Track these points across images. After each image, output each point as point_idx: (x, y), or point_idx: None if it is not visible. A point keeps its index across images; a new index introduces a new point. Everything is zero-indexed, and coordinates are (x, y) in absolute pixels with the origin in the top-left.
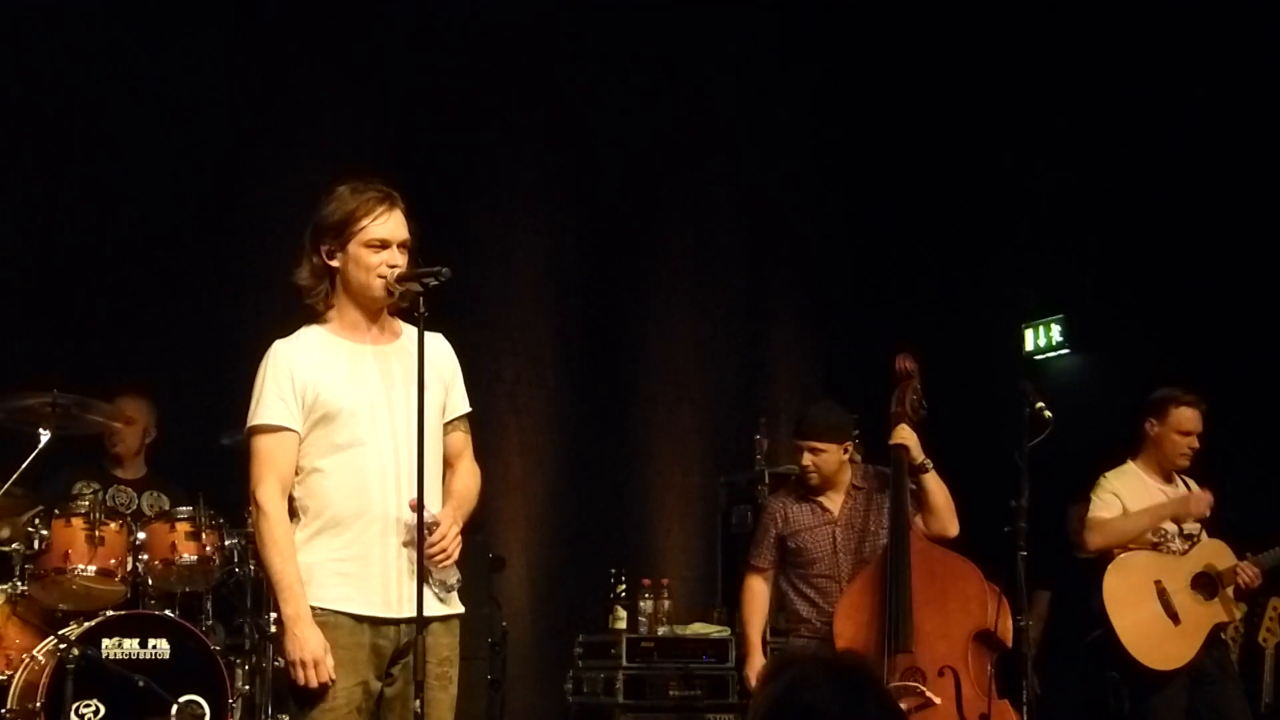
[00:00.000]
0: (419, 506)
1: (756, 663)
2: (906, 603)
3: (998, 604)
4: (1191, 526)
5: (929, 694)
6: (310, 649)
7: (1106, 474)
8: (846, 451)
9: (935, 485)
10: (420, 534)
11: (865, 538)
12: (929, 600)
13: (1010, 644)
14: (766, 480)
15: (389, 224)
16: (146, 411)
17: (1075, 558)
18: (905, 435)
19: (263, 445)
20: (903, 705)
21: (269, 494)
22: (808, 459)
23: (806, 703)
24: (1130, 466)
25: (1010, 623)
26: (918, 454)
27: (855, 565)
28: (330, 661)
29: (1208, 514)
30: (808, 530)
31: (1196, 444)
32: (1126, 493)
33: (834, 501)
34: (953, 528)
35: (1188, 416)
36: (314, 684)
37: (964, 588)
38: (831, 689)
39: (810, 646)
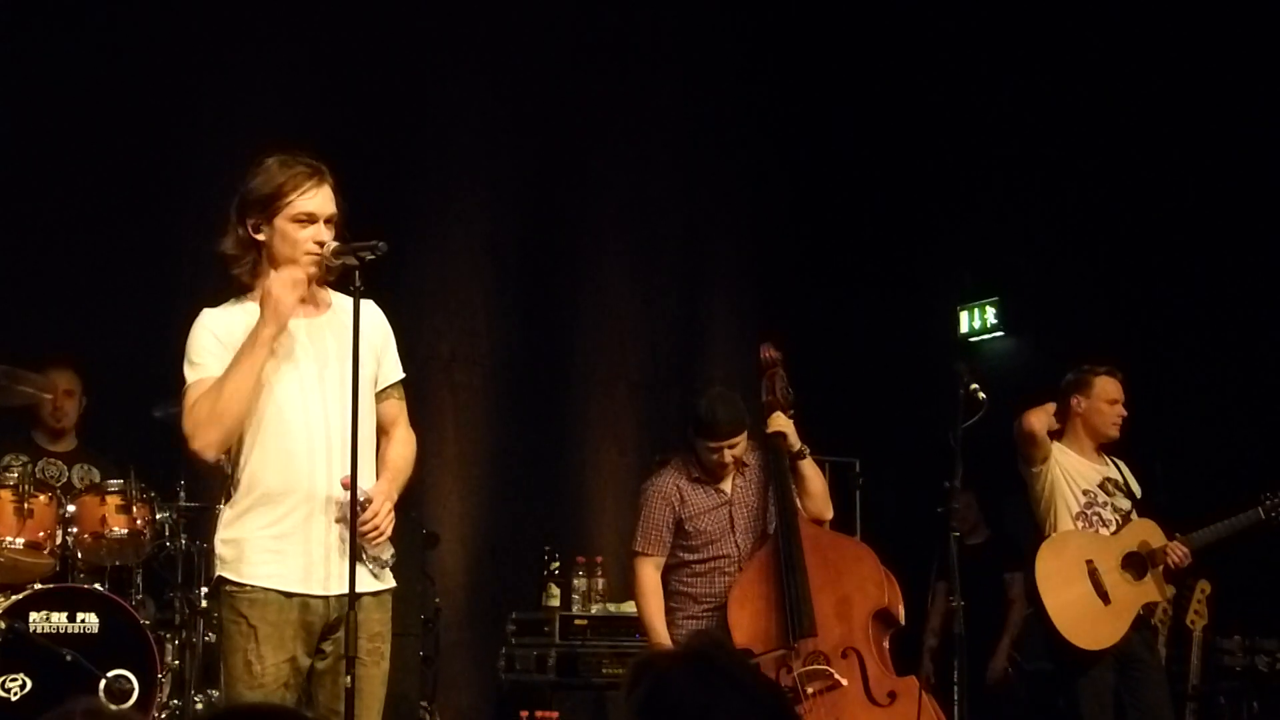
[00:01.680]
0: (352, 483)
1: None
2: (804, 588)
3: (890, 583)
4: (1122, 503)
5: (836, 675)
6: (266, 302)
7: None
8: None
9: (812, 471)
10: (353, 510)
11: (762, 515)
12: (825, 584)
13: (903, 621)
14: None
15: (317, 199)
16: (78, 382)
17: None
18: (782, 423)
19: (190, 392)
20: (810, 689)
21: (196, 411)
22: (726, 455)
23: (668, 706)
24: (1058, 445)
25: (901, 600)
26: (795, 441)
27: (756, 543)
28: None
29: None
30: (706, 513)
31: (1124, 411)
32: (1057, 455)
33: (725, 482)
34: (828, 511)
35: (1110, 385)
36: (287, 298)
37: (858, 569)
38: (689, 685)
39: (664, 646)
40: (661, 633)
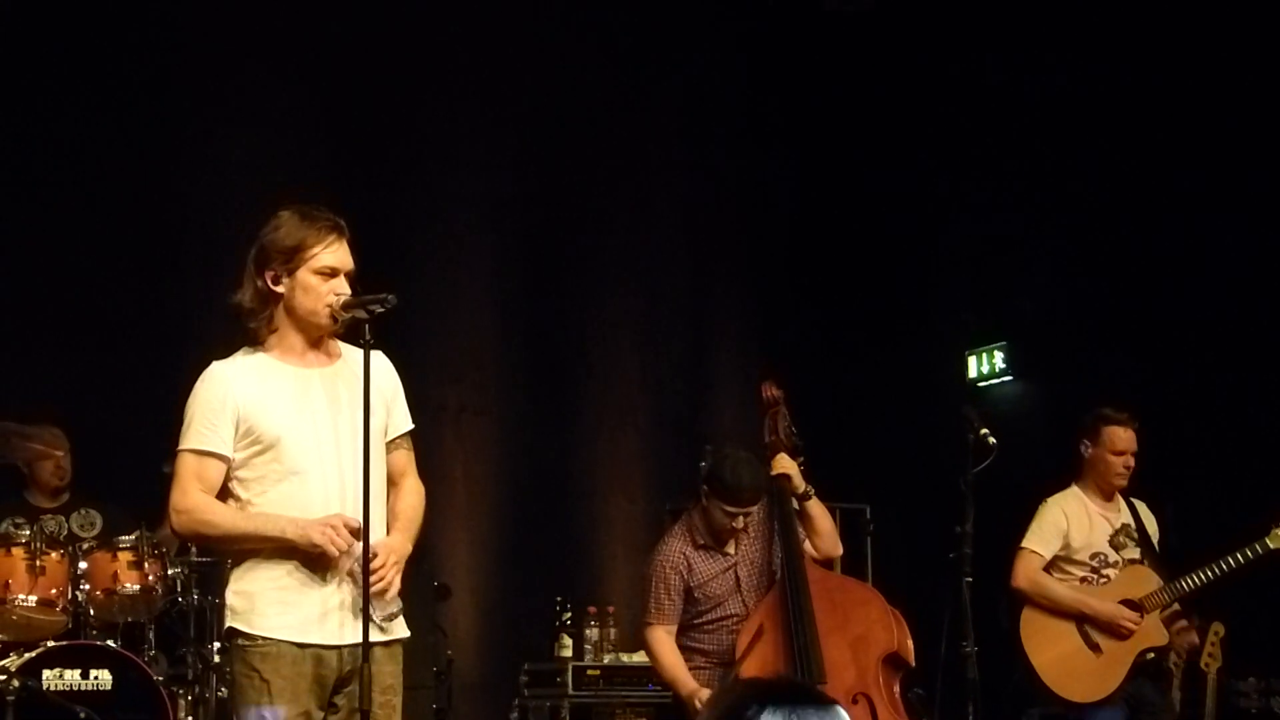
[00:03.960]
0: (365, 534)
1: (703, 690)
2: (813, 634)
3: (899, 625)
4: (1132, 553)
5: None
6: (318, 525)
7: (1048, 499)
8: None
9: (819, 511)
10: (365, 561)
11: (767, 568)
12: (834, 629)
13: (913, 662)
14: None
15: (339, 253)
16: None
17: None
18: (785, 464)
19: (186, 465)
20: None
21: (187, 499)
22: (740, 521)
23: None
24: (1073, 490)
25: (910, 641)
26: (799, 483)
27: (761, 595)
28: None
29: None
30: (714, 579)
31: (1131, 463)
32: (1071, 518)
33: (730, 544)
34: (838, 548)
35: (1119, 436)
36: (344, 541)
37: (866, 613)
38: (766, 710)
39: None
40: (691, 685)
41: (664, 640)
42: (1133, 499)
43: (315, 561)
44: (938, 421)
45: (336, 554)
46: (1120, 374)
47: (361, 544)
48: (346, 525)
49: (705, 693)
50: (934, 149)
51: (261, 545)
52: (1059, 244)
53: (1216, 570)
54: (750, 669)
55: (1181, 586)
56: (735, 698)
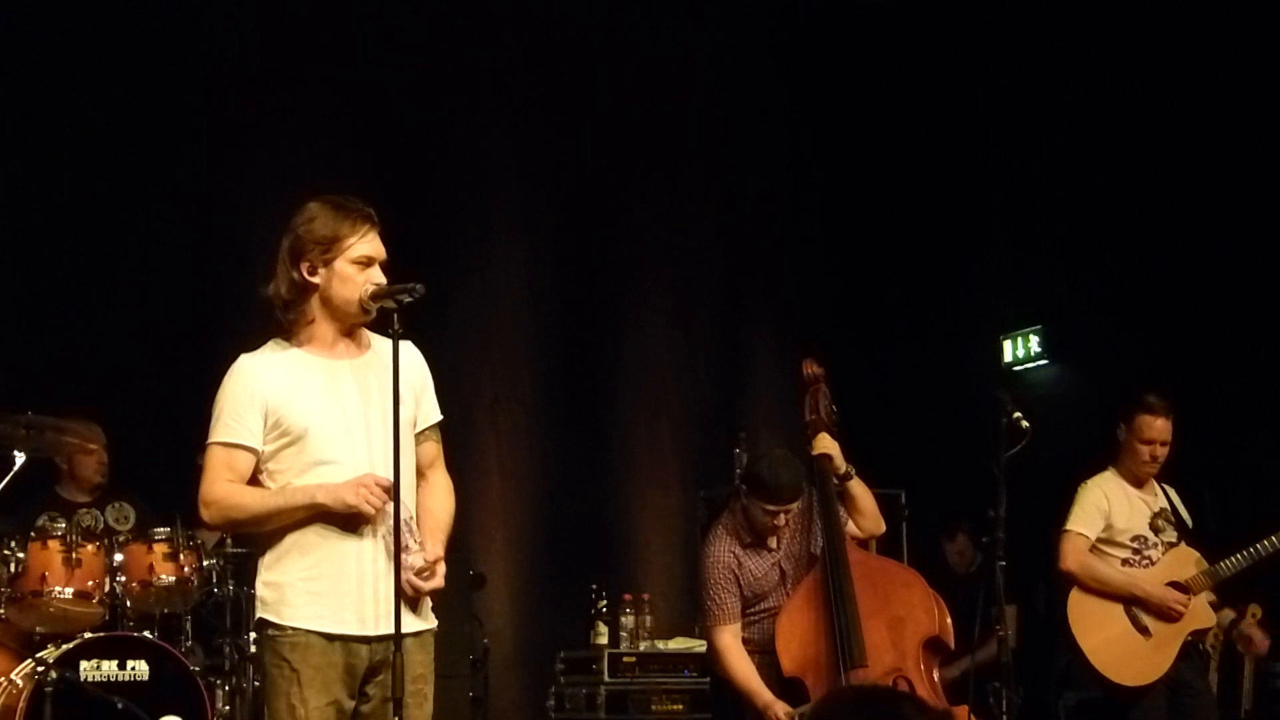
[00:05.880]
0: (395, 525)
1: (779, 705)
2: (854, 617)
3: (939, 608)
4: (1170, 535)
5: None
6: (350, 485)
7: (1086, 482)
8: None
9: (861, 490)
10: (397, 549)
11: (807, 555)
12: (874, 611)
13: (952, 644)
14: None
15: (374, 242)
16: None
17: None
18: (827, 444)
19: (215, 457)
20: None
21: (215, 490)
22: (781, 519)
23: None
24: (1110, 473)
25: (950, 624)
26: (841, 463)
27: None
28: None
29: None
30: (761, 576)
31: (1159, 452)
32: (1112, 500)
33: (772, 538)
34: (881, 526)
35: (1149, 424)
36: (378, 499)
37: (907, 595)
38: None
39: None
40: (761, 691)
41: (732, 645)
42: (1165, 485)
43: (346, 540)
44: (974, 406)
45: (372, 511)
46: (1156, 358)
47: (394, 534)
48: (379, 483)
49: (782, 707)
50: (970, 132)
51: (294, 518)
52: (1096, 228)
53: (1258, 552)
54: (790, 650)
55: (1224, 569)
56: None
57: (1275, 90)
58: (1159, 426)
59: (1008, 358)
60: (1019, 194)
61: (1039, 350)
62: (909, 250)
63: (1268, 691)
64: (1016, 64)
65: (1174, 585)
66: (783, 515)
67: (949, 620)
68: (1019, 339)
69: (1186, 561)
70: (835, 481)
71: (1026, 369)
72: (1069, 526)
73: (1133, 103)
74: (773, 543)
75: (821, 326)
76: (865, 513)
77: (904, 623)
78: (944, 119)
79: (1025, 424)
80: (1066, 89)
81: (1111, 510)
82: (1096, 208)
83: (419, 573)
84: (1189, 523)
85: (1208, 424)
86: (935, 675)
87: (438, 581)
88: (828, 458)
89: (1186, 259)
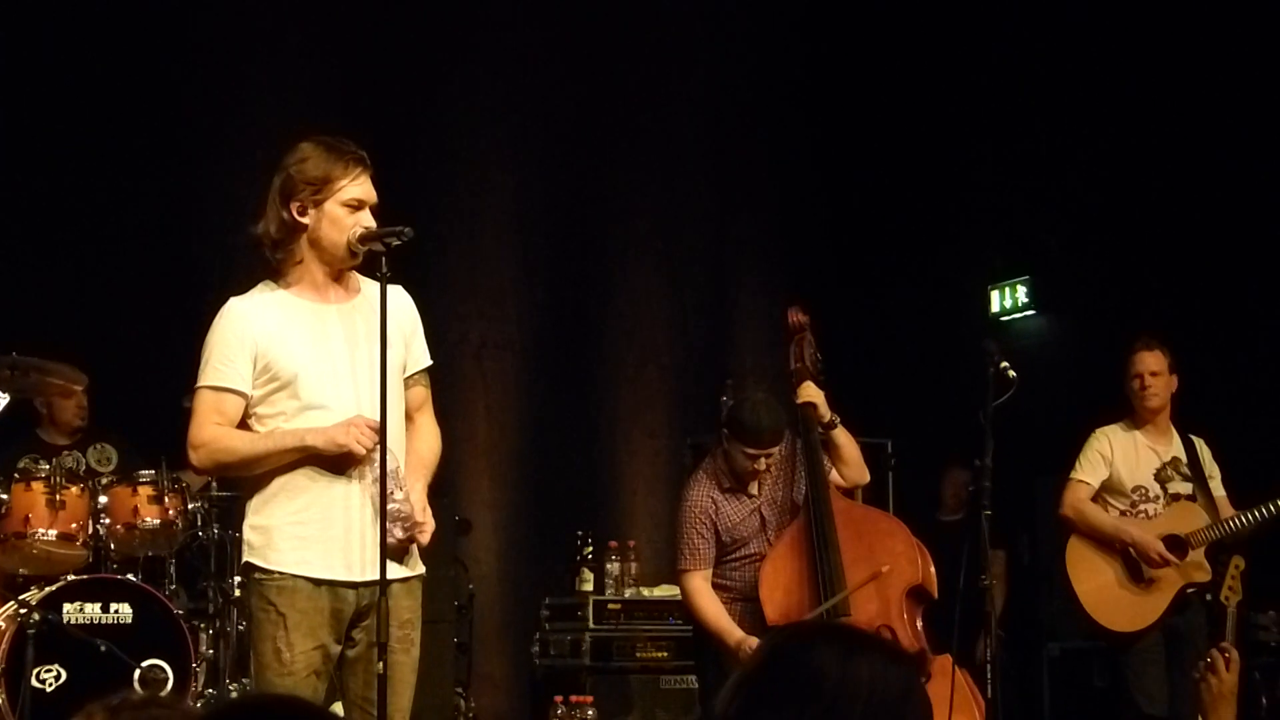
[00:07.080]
0: (381, 469)
1: (750, 639)
2: (837, 564)
3: (923, 557)
4: (1181, 487)
5: None
6: (340, 427)
7: (1097, 430)
8: None
9: (846, 439)
10: (383, 492)
11: (789, 503)
12: (858, 559)
13: (936, 595)
14: None
15: (365, 185)
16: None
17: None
18: (812, 393)
19: (204, 401)
20: None
21: (203, 433)
22: (762, 463)
23: (803, 660)
24: (1124, 423)
25: (934, 573)
26: (825, 411)
27: (784, 527)
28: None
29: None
30: (741, 521)
31: (1151, 383)
32: (1116, 449)
33: (753, 484)
34: (865, 475)
35: (1138, 358)
36: (368, 439)
37: (891, 544)
38: (828, 649)
39: (736, 636)
40: (732, 629)
41: (702, 588)
42: (1192, 435)
43: (334, 484)
44: (960, 356)
45: (363, 452)
46: (1144, 308)
47: (380, 478)
48: (369, 425)
49: (754, 641)
50: (960, 81)
51: (283, 461)
52: (1083, 177)
53: (1266, 512)
54: (774, 598)
55: (1229, 526)
56: (785, 635)
57: (1263, 33)
58: (1144, 358)
59: (995, 308)
60: (1008, 144)
61: (1026, 300)
62: (897, 199)
63: (1250, 642)
64: (1003, 11)
65: (1172, 539)
66: (763, 459)
67: (933, 569)
68: (1006, 289)
69: (1190, 515)
70: (820, 430)
71: (1014, 319)
72: (1072, 474)
73: (1121, 51)
74: (753, 488)
75: (810, 275)
76: (849, 462)
77: (889, 572)
78: (930, 67)
79: (1012, 374)
80: (1054, 38)
81: (1115, 459)
82: (1085, 157)
83: (407, 528)
84: (1208, 474)
85: (1199, 373)
86: (919, 623)
87: (425, 538)
88: (812, 406)
89: (1175, 207)
